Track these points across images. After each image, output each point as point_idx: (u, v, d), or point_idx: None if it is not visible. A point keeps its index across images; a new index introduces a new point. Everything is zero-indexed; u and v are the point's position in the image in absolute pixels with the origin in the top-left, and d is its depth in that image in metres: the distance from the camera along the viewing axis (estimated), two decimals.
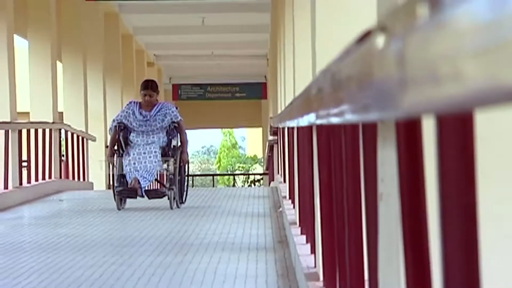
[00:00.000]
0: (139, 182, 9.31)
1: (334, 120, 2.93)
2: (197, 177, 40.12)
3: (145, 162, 9.34)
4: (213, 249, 7.31)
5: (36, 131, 13.37)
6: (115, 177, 9.58)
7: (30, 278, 6.18)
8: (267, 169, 21.82)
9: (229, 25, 23.39)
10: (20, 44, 15.69)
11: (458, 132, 1.38)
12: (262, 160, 32.39)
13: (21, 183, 12.45)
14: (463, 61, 0.96)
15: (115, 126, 9.58)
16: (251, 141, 49.36)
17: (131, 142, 9.59)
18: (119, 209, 9.42)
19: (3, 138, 12.07)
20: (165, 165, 9.82)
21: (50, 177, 13.96)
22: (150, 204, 9.76)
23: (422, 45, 1.19)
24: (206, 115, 38.24)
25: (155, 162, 9.45)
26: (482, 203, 1.37)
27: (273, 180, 15.94)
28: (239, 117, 39.35)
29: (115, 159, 9.61)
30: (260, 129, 38.91)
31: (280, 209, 9.35)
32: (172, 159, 9.79)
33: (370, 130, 2.34)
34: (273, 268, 6.22)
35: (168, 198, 9.62)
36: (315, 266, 4.84)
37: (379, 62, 1.60)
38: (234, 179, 40.02)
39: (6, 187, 11.97)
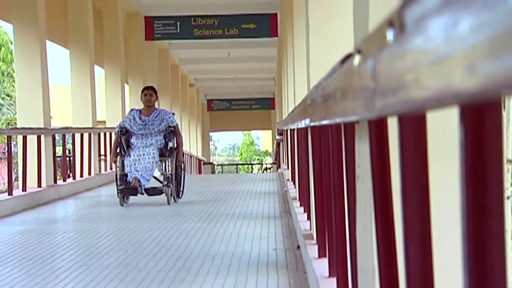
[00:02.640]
0: (139, 181, 8.11)
1: (323, 122, 2.91)
2: (225, 166, 40.23)
3: (144, 163, 8.18)
4: (236, 217, 7.30)
5: (110, 134, 13.41)
6: (118, 177, 8.34)
7: (107, 239, 6.17)
8: (275, 160, 21.84)
9: (247, 56, 23.46)
10: (99, 71, 15.71)
11: (414, 128, 1.34)
12: (272, 153, 32.44)
13: (100, 171, 12.47)
14: (420, 73, 0.92)
15: (118, 131, 8.45)
16: (264, 139, 49.56)
17: (132, 145, 8.37)
18: (122, 205, 8.25)
19: (87, 139, 12.12)
20: (162, 165, 8.55)
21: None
22: (154, 199, 8.51)
23: (389, 62, 1.15)
24: (231, 121, 38.48)
25: (154, 162, 8.24)
26: (432, 182, 1.34)
27: (279, 167, 15.93)
28: (255, 122, 39.51)
29: (118, 159, 8.42)
30: (270, 131, 39.05)
31: (285, 188, 9.33)
32: (168, 160, 8.51)
33: (350, 129, 2.31)
34: (280, 231, 6.20)
35: (166, 195, 8.34)
36: (310, 229, 4.81)
37: (357, 77, 1.56)
38: (251, 167, 40.17)
39: (89, 173, 12.05)
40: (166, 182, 8.37)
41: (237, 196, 9.66)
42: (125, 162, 8.27)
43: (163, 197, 8.40)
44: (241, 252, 5.19)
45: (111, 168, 12.83)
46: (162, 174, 8.58)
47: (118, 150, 8.45)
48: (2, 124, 25.38)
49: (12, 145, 9.54)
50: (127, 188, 8.21)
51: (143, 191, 8.18)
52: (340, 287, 2.93)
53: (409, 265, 1.36)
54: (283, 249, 5.26)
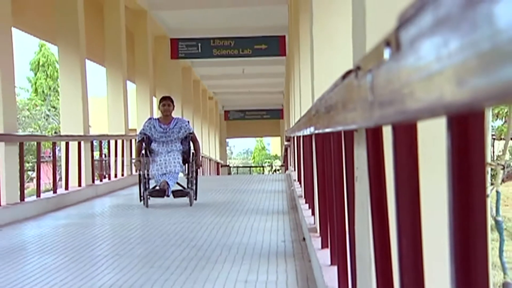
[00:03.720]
0: (167, 184, 7.74)
1: (326, 130, 2.90)
2: (240, 168, 40.23)
3: (170, 167, 7.78)
4: (250, 213, 7.29)
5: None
6: (143, 181, 7.89)
7: (137, 231, 6.17)
8: (283, 162, 21.82)
9: (259, 73, 23.48)
10: (131, 86, 15.74)
11: (406, 135, 1.33)
12: (280, 157, 32.40)
13: (131, 173, 12.49)
14: (414, 86, 0.91)
15: (141, 138, 7.95)
16: (273, 145, 49.51)
17: (154, 150, 7.92)
18: (147, 206, 7.80)
19: (120, 144, 12.16)
20: (185, 169, 8.09)
21: None
22: (174, 200, 8.09)
23: (386, 77, 1.14)
24: (245, 129, 38.51)
25: (178, 167, 7.86)
26: (422, 183, 1.33)
27: (287, 169, 15.90)
28: (266, 130, 39.51)
29: (141, 163, 7.85)
30: (279, 138, 38.98)
31: (292, 187, 9.31)
32: (189, 164, 8.09)
33: (349, 136, 2.30)
34: (288, 224, 6.19)
35: (189, 197, 7.93)
36: (314, 223, 4.80)
37: (356, 90, 1.55)
38: (263, 169, 40.15)
39: (122, 174, 12.07)
40: (190, 185, 8.03)
41: (250, 194, 9.65)
42: (151, 167, 7.84)
43: (184, 199, 8.04)
44: (254, 243, 5.18)
45: (136, 171, 12.81)
46: (185, 177, 8.19)
47: (141, 155, 8.01)
48: (49, 132, 25.50)
49: (57, 150, 9.59)
50: (156, 191, 7.82)
51: (170, 193, 7.84)
52: (341, 274, 2.91)
53: (402, 255, 1.35)
54: (291, 240, 5.24)
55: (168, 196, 7.79)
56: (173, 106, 8.18)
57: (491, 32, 0.59)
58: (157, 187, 7.85)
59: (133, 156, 13.19)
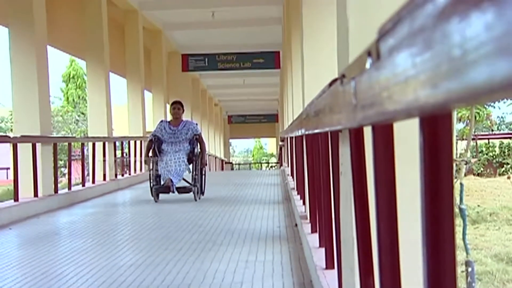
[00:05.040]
0: (171, 181, 7.23)
1: (315, 131, 2.88)
2: (241, 165, 40.17)
3: (175, 166, 7.29)
4: (249, 203, 7.27)
5: None
6: (152, 177, 7.39)
7: (153, 218, 6.15)
8: (278, 159, 21.78)
9: (258, 83, 23.47)
10: (148, 95, 15.70)
11: (384, 135, 1.31)
12: (276, 155, 32.36)
13: (141, 170, 12.40)
14: (392, 91, 0.90)
15: (152, 139, 7.50)
16: (270, 145, 49.46)
17: (163, 150, 7.43)
18: (156, 201, 7.36)
19: (139, 145, 12.12)
20: (190, 167, 7.54)
21: None
22: (182, 195, 7.63)
23: (368, 83, 1.12)
24: (246, 131, 38.40)
25: (183, 166, 7.35)
26: (398, 176, 1.32)
27: (281, 165, 15.88)
28: (263, 132, 39.40)
29: (151, 162, 7.41)
30: (274, 138, 39.00)
31: (286, 181, 9.30)
32: (195, 163, 7.53)
33: (335, 136, 2.28)
34: (282, 212, 6.17)
35: (193, 193, 7.43)
36: (305, 212, 4.78)
37: (341, 96, 1.53)
38: (261, 165, 40.12)
39: (141, 170, 12.01)
40: (193, 182, 7.46)
41: (250, 187, 9.63)
42: (158, 165, 7.35)
43: (190, 194, 7.55)
44: (253, 228, 5.16)
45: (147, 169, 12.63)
46: (190, 174, 7.64)
47: (150, 154, 7.51)
48: (78, 134, 25.47)
49: (85, 149, 9.59)
50: (161, 187, 7.31)
51: (174, 189, 7.31)
52: (328, 254, 2.90)
53: (380, 238, 1.34)
54: (285, 226, 5.23)
55: (173, 192, 7.31)
56: (183, 109, 7.76)
57: (459, 41, 0.57)
58: (163, 184, 7.40)
59: (151, 154, 13.10)
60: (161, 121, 7.84)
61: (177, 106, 7.69)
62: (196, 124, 7.86)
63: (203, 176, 7.67)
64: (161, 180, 7.35)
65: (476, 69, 0.54)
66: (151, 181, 7.40)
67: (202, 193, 7.69)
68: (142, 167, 12.08)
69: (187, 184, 7.54)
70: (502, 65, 0.49)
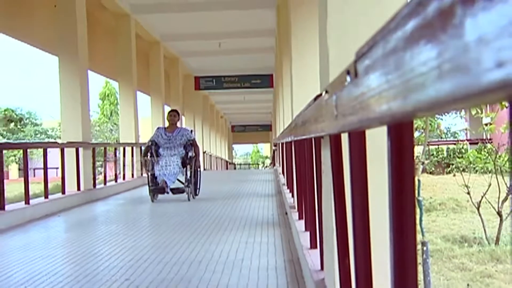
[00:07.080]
0: (166, 183, 6.49)
1: (302, 137, 2.86)
2: (242, 165, 40.10)
3: (170, 169, 6.53)
4: (248, 196, 7.23)
5: None
6: (149, 179, 6.62)
7: (172, 208, 6.11)
8: (272, 161, 21.75)
9: (255, 99, 23.44)
10: (167, 108, 15.73)
11: (358, 140, 1.29)
12: (270, 157, 32.35)
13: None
14: (367, 102, 0.88)
15: (150, 144, 6.72)
16: (265, 149, 49.41)
17: (160, 155, 6.66)
18: (152, 201, 6.58)
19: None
20: (184, 170, 6.68)
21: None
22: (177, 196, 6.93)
23: (347, 97, 1.10)
24: (245, 138, 38.41)
25: (177, 169, 6.56)
26: (369, 175, 1.29)
27: (274, 165, 15.86)
28: (260, 138, 39.41)
29: (150, 163, 6.61)
30: (268, 144, 38.96)
31: (278, 178, 9.26)
32: (188, 166, 6.69)
33: (318, 141, 2.26)
34: (275, 203, 6.14)
35: (187, 193, 6.67)
36: (293, 202, 4.75)
37: (324, 108, 1.51)
38: (258, 165, 40.07)
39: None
40: (187, 183, 6.68)
41: (249, 183, 9.59)
42: (155, 167, 6.57)
43: (184, 195, 6.81)
44: (252, 216, 5.13)
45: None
46: (184, 176, 6.74)
47: (148, 156, 6.68)
48: (112, 140, 25.44)
49: (117, 153, 9.59)
50: (157, 188, 6.55)
51: (169, 190, 6.56)
52: (312, 237, 2.87)
53: (355, 225, 1.31)
54: (277, 214, 5.20)
55: (167, 193, 6.55)
56: (179, 117, 6.99)
57: (423, 61, 0.55)
58: (159, 185, 6.61)
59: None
60: (158, 128, 7.00)
61: (173, 114, 6.89)
62: (191, 131, 7.01)
63: (198, 178, 6.93)
64: (158, 182, 6.62)
65: (434, 86, 0.52)
66: (149, 182, 6.67)
67: (197, 193, 6.92)
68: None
69: (181, 185, 6.81)
70: (447, 84, 0.47)
